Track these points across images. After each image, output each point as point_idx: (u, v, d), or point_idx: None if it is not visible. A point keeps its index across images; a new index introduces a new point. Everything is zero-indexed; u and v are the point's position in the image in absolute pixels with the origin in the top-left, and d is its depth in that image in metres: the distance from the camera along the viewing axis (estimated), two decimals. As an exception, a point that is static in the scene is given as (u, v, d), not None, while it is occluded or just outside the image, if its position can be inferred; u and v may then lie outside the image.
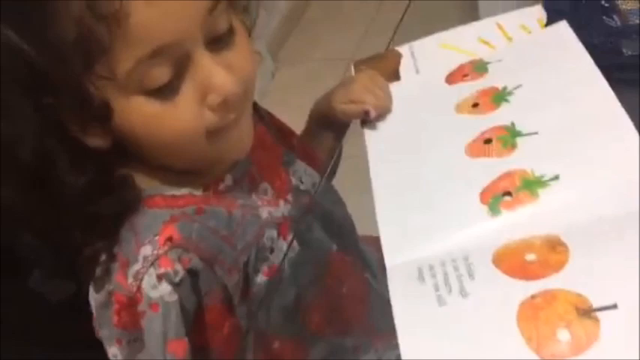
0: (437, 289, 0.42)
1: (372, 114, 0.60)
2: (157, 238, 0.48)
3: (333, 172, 0.71)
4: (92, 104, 0.44)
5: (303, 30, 2.12)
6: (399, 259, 0.47)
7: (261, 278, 0.54)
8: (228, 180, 0.54)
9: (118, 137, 0.47)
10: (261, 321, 0.54)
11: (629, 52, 0.56)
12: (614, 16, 0.57)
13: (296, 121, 0.74)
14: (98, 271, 0.49)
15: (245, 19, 0.52)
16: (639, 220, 0.42)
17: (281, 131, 0.66)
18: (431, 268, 0.44)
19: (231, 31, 0.47)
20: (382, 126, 0.60)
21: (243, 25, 0.50)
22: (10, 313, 0.57)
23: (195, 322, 0.49)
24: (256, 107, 0.63)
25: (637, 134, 0.47)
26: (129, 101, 0.44)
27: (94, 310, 0.49)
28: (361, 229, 0.70)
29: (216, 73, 0.45)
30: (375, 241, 0.50)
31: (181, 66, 0.44)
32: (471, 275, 0.42)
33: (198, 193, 0.52)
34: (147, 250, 0.47)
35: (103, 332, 0.49)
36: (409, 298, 0.43)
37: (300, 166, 0.63)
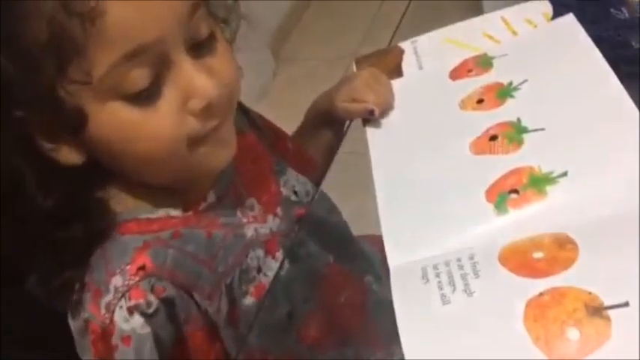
0: (441, 288, 0.41)
1: (376, 113, 0.59)
2: (128, 267, 0.46)
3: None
4: (65, 112, 0.41)
5: (305, 28, 2.11)
6: (402, 260, 0.46)
7: (248, 300, 0.52)
8: (211, 197, 0.52)
9: (93, 152, 0.45)
10: (251, 338, 0.52)
11: (638, 45, 0.55)
12: (623, 9, 0.56)
13: (297, 119, 0.73)
14: (74, 297, 0.47)
15: (225, 31, 0.51)
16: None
17: (274, 135, 0.65)
18: (435, 267, 0.43)
19: (212, 37, 0.46)
20: (384, 123, 0.59)
21: (224, 35, 0.49)
22: (10, 321, 0.56)
23: (176, 351, 0.48)
24: (247, 112, 0.63)
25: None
26: (105, 107, 0.42)
27: (74, 336, 0.48)
28: (363, 229, 0.69)
29: (198, 77, 0.44)
30: (379, 241, 0.49)
31: (162, 69, 0.43)
32: (476, 274, 0.41)
33: (177, 213, 0.50)
34: (118, 281, 0.46)
35: (85, 358, 0.48)
36: (412, 298, 0.42)
37: (292, 175, 0.61)
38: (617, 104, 0.48)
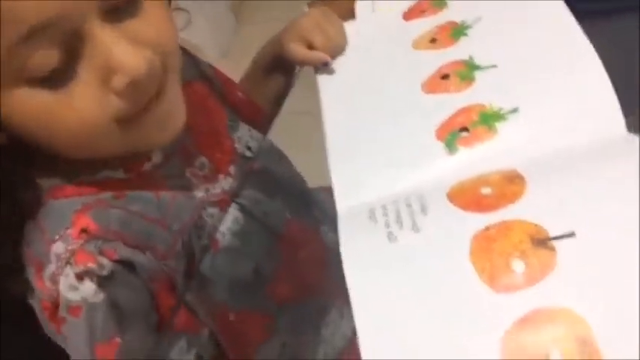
0: (388, 226, 0.40)
1: (330, 64, 0.56)
2: (68, 231, 0.42)
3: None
4: None
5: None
6: (350, 202, 0.45)
7: (207, 257, 0.49)
8: (157, 157, 0.48)
9: (11, 133, 0.40)
10: (217, 296, 0.50)
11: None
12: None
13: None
14: (23, 277, 0.43)
15: None
16: (597, 150, 0.40)
17: (224, 85, 0.62)
18: (383, 207, 0.42)
19: None
20: (335, 67, 0.57)
21: None
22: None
23: (149, 312, 0.45)
24: (196, 62, 0.59)
25: (601, 65, 0.45)
26: (12, 95, 0.38)
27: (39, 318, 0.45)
28: (319, 183, 0.67)
29: (118, 50, 0.38)
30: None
31: (73, 46, 0.37)
32: (423, 211, 0.40)
33: (119, 175, 0.46)
34: (59, 248, 0.42)
35: (57, 338, 0.45)
36: (359, 237, 0.40)
37: (245, 130, 0.59)
38: (570, 40, 0.47)
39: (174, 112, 0.44)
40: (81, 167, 0.45)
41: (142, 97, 0.40)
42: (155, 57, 0.40)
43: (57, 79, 0.38)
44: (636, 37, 0.61)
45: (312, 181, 0.69)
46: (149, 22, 0.40)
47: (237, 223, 0.52)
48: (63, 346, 0.45)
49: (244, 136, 0.59)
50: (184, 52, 0.57)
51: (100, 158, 0.45)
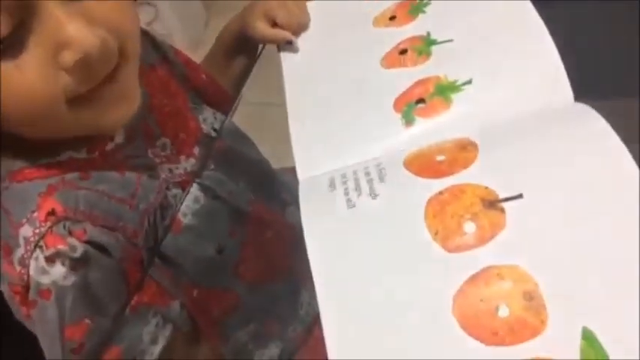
0: (347, 193, 0.41)
1: (295, 43, 0.57)
2: (35, 214, 0.41)
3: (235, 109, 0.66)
4: None
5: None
6: (311, 173, 0.46)
7: (169, 237, 0.49)
8: (119, 138, 0.48)
9: None
10: (181, 274, 0.50)
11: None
12: None
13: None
14: None
15: None
16: (545, 118, 0.42)
17: (187, 67, 0.62)
18: (343, 176, 0.43)
19: None
20: (299, 44, 0.58)
21: None
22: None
23: (121, 291, 0.45)
24: (157, 45, 0.59)
25: (550, 39, 0.46)
26: None
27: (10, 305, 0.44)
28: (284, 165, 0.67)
29: (69, 26, 0.37)
30: None
31: (26, 17, 0.36)
32: (381, 178, 0.41)
33: (82, 155, 0.46)
34: (27, 231, 0.41)
35: (27, 323, 0.45)
36: (318, 205, 0.41)
37: (209, 112, 0.59)
38: (520, 16, 0.48)
39: (127, 95, 0.44)
40: (42, 149, 0.45)
41: (92, 77, 0.40)
42: (109, 37, 0.39)
43: (5, 49, 0.37)
44: (588, 14, 0.63)
45: (277, 165, 0.70)
46: (106, 3, 0.40)
47: (198, 202, 0.52)
48: (32, 329, 0.45)
49: (209, 117, 0.59)
50: (146, 35, 0.57)
51: (60, 139, 0.45)
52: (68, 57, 0.38)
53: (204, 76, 0.64)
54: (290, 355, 0.63)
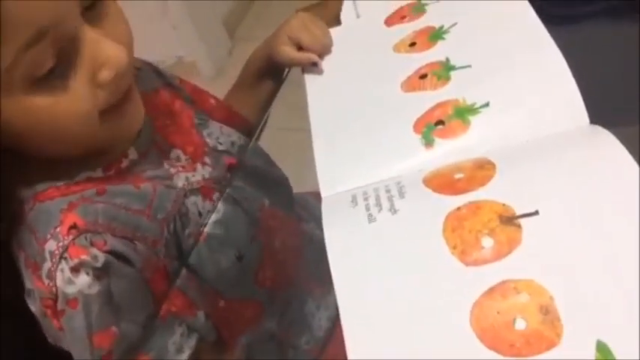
0: (368, 209, 0.42)
1: (320, 65, 0.59)
2: (58, 229, 0.44)
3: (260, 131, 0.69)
4: None
5: (260, 7, 2.11)
6: (334, 191, 0.47)
7: (194, 243, 0.51)
8: (133, 154, 0.51)
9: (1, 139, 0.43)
10: (207, 284, 0.52)
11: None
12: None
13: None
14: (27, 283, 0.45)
15: None
16: (561, 139, 0.43)
17: (194, 93, 0.64)
18: (364, 193, 0.45)
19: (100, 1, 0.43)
20: (322, 68, 0.60)
21: None
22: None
23: (145, 300, 0.46)
24: (159, 73, 0.62)
25: (564, 62, 0.48)
26: (18, 96, 0.40)
27: (40, 323, 0.46)
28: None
29: (105, 47, 0.42)
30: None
31: (65, 46, 0.41)
32: (401, 195, 0.43)
33: (98, 174, 0.49)
34: (51, 245, 0.44)
35: (62, 343, 0.46)
36: (340, 220, 0.43)
37: (215, 126, 0.61)
38: (536, 40, 0.50)
39: (138, 104, 0.49)
40: (62, 171, 0.48)
41: (120, 89, 0.45)
42: (128, 53, 0.44)
43: (53, 79, 0.41)
44: (601, 39, 0.64)
45: (298, 189, 0.72)
46: (117, 22, 0.45)
47: (219, 211, 0.54)
48: (63, 345, 0.46)
49: (215, 131, 0.61)
50: (149, 65, 0.61)
51: (78, 161, 0.48)
52: (106, 74, 0.42)
53: (212, 100, 0.66)
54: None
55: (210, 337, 0.51)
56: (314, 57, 0.60)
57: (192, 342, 0.49)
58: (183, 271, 0.50)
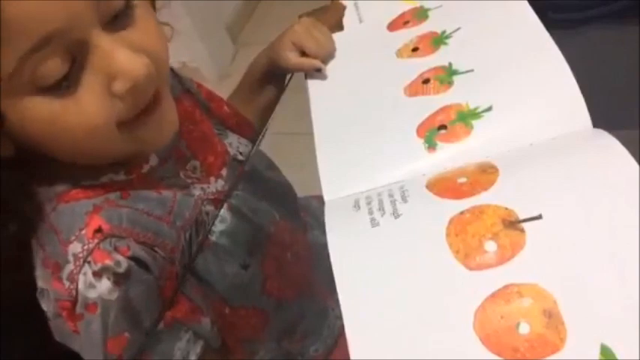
0: (371, 213, 0.42)
1: (323, 70, 0.60)
2: (83, 232, 0.44)
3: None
4: None
5: (263, 12, 2.12)
6: (336, 195, 0.47)
7: (201, 250, 0.51)
8: (154, 160, 0.51)
9: (20, 143, 0.42)
10: (213, 291, 0.52)
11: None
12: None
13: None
14: (40, 283, 0.45)
15: None
16: (564, 143, 0.43)
17: (209, 99, 0.64)
18: (367, 198, 0.45)
19: (128, 7, 0.42)
20: (325, 72, 0.60)
21: None
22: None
23: (157, 307, 0.46)
24: (180, 79, 0.62)
25: (566, 66, 0.48)
26: (22, 103, 0.40)
27: (51, 323, 0.46)
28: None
29: (119, 56, 0.40)
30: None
31: (78, 54, 0.39)
32: (404, 199, 0.43)
33: (121, 177, 0.48)
34: (76, 248, 0.43)
35: (72, 344, 0.46)
36: (342, 225, 0.43)
37: (234, 137, 0.61)
38: (538, 44, 0.51)
39: (168, 116, 0.47)
40: (84, 173, 0.47)
41: (141, 100, 0.43)
42: (150, 63, 0.42)
43: (63, 87, 0.40)
44: (604, 43, 0.65)
45: (302, 193, 0.72)
46: (143, 31, 0.43)
47: (224, 220, 0.54)
48: (73, 346, 0.46)
49: (234, 142, 0.61)
50: (171, 70, 0.60)
51: (103, 163, 0.48)
52: (121, 86, 0.41)
53: (226, 107, 0.66)
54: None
55: (215, 344, 0.51)
56: (318, 63, 0.60)
57: (198, 348, 0.49)
58: (189, 278, 0.50)
